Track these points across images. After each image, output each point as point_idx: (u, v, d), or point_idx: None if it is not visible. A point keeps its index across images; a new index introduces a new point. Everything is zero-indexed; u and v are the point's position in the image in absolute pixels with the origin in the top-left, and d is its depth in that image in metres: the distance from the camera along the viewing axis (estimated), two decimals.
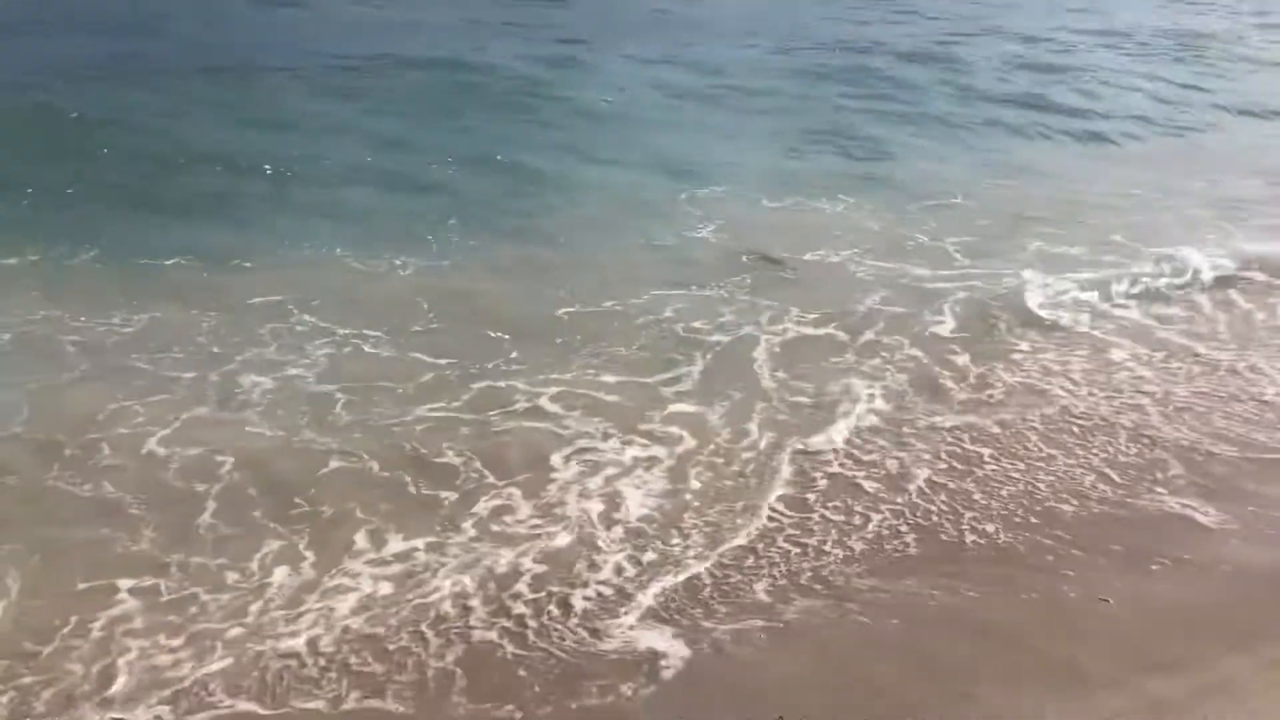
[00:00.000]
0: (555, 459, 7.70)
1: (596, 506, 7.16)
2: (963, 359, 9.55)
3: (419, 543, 6.73)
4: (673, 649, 5.75)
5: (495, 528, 6.92)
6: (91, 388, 8.26)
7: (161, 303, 9.73)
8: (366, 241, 11.55)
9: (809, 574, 6.44)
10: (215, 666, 5.60)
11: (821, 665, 5.65)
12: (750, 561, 6.57)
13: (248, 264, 10.83)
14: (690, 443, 7.97)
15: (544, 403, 8.43)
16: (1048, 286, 11.30)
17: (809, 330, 9.98)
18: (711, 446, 7.94)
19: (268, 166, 13.87)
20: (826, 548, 6.73)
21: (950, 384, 9.10)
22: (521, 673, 5.59)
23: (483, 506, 7.12)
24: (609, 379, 8.86)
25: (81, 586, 6.15)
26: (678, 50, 22.87)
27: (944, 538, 6.88)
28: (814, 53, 23.76)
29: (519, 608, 6.12)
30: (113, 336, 9.08)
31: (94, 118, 14.97)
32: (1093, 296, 11.18)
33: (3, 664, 5.55)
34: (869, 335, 9.94)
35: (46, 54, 18.46)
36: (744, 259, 11.73)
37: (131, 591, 6.14)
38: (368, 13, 24.97)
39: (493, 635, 5.87)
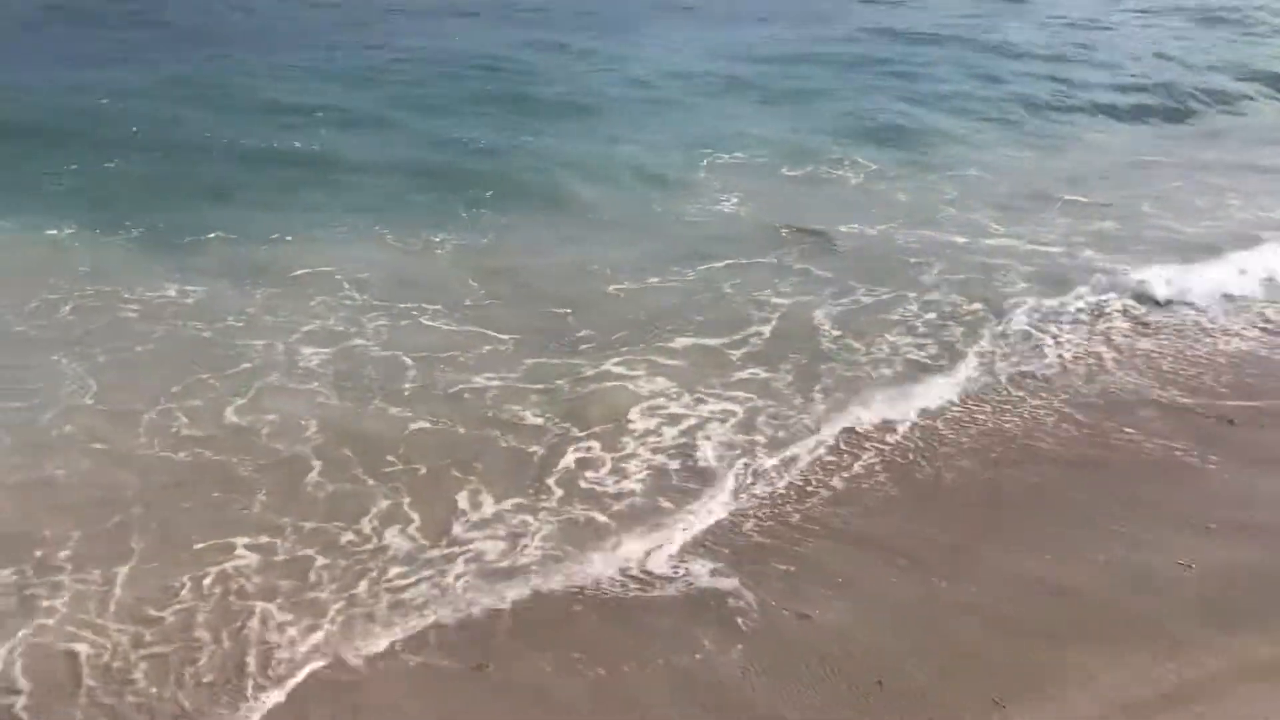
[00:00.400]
0: (632, 414, 7.71)
1: (673, 462, 7.14)
2: (1039, 324, 9.50)
3: (514, 501, 6.68)
4: (750, 606, 5.76)
5: (584, 484, 6.92)
6: (159, 358, 8.13)
7: (210, 277, 9.62)
8: (403, 220, 11.41)
9: (879, 535, 6.40)
10: (347, 629, 5.55)
11: (905, 629, 5.57)
12: (822, 522, 6.53)
13: (288, 238, 10.69)
14: (761, 401, 7.94)
15: (612, 367, 8.35)
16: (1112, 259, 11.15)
17: (868, 298, 9.88)
18: (783, 405, 7.91)
19: (297, 143, 13.78)
20: (898, 510, 6.70)
21: (1030, 349, 9.06)
22: (617, 628, 5.65)
23: (568, 461, 7.13)
24: (676, 345, 8.78)
25: (199, 546, 6.08)
26: (699, 34, 22.90)
27: (1013, 500, 6.85)
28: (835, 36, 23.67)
29: (614, 565, 6.13)
30: (170, 308, 8.94)
31: (123, 103, 14.74)
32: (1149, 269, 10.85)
33: (133, 629, 5.51)
34: (935, 297, 9.92)
35: (76, 40, 18.31)
36: (782, 232, 11.67)
37: (250, 549, 6.08)
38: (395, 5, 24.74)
39: (596, 593, 5.89)
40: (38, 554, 6.00)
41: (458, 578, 5.98)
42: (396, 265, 10.34)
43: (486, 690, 5.24)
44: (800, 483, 7.01)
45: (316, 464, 6.96)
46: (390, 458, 7.08)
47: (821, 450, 7.41)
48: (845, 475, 7.13)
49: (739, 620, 5.69)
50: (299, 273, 9.89)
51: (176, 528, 6.28)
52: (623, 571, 6.12)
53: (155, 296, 9.19)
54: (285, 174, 12.90)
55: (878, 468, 7.24)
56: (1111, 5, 29.81)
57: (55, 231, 10.42)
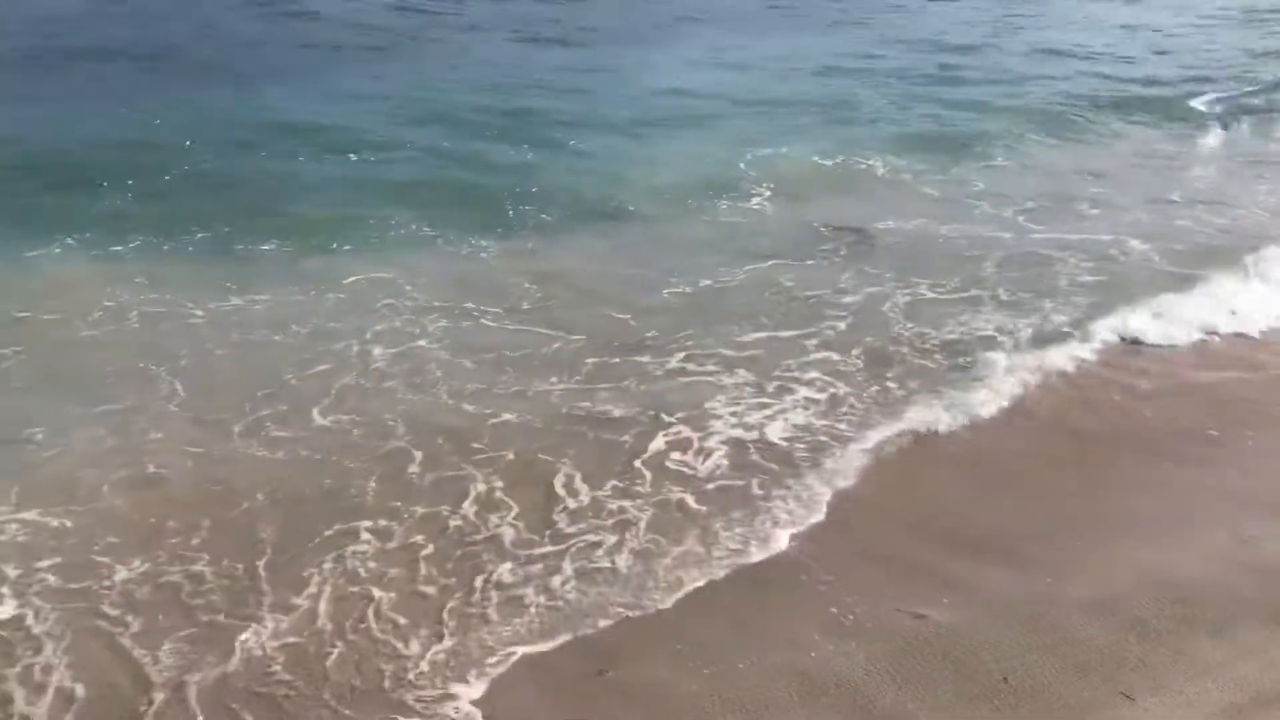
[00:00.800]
0: (712, 404, 7.73)
1: (765, 456, 7.11)
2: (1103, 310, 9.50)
3: (612, 485, 6.72)
4: (860, 606, 5.67)
5: (674, 471, 6.93)
6: (235, 364, 8.09)
7: (272, 285, 9.56)
8: (451, 223, 11.38)
9: (976, 531, 6.34)
10: (465, 631, 5.51)
11: (1021, 626, 5.46)
12: (917, 518, 6.51)
13: (346, 246, 10.64)
14: (843, 390, 7.95)
15: (681, 364, 8.35)
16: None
17: (929, 293, 9.88)
18: (863, 397, 7.90)
19: (352, 155, 13.72)
20: (992, 504, 6.65)
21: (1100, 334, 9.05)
22: (729, 627, 5.58)
23: (657, 446, 7.17)
24: (746, 339, 8.79)
25: (328, 533, 6.16)
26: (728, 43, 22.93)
27: (1106, 490, 6.83)
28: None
29: (719, 563, 6.07)
30: (236, 315, 8.90)
31: (175, 130, 14.53)
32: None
33: (274, 616, 5.52)
34: (999, 294, 9.88)
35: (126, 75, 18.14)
36: (821, 229, 11.69)
37: (372, 534, 6.17)
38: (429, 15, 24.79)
39: (704, 591, 5.84)
40: (172, 542, 6.06)
41: (566, 581, 5.90)
42: (451, 271, 10.30)
43: (613, 694, 5.19)
44: (891, 477, 6.97)
45: (417, 454, 6.97)
46: (476, 445, 7.10)
47: (907, 442, 7.38)
48: (934, 468, 7.11)
49: (849, 619, 5.63)
50: (357, 279, 9.85)
51: (299, 519, 6.29)
52: (727, 569, 6.05)
53: (221, 305, 9.13)
54: (336, 192, 12.65)
55: (965, 460, 7.21)
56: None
57: (119, 247, 10.28)
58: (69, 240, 10.35)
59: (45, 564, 5.85)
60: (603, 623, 5.62)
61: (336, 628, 5.49)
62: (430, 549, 6.10)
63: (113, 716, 4.94)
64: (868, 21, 26.95)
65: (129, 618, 5.50)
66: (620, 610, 5.70)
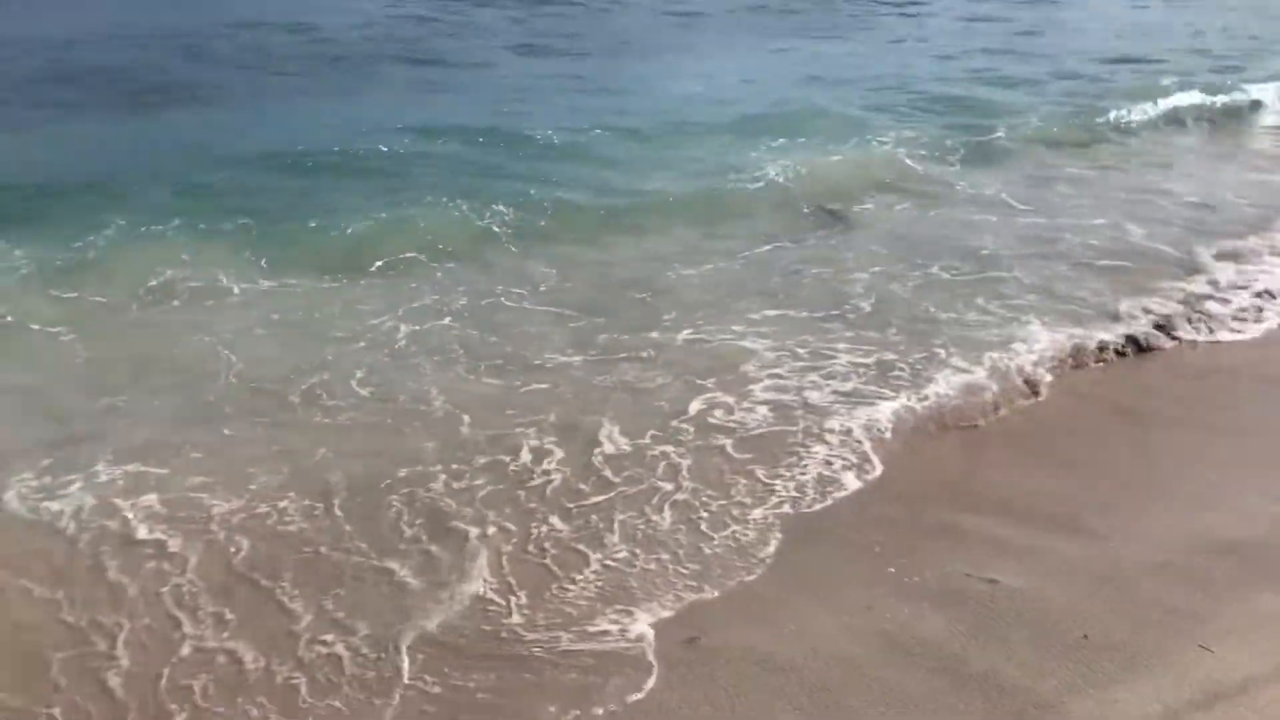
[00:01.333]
0: (744, 369, 7.89)
1: (806, 417, 7.23)
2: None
3: (651, 437, 6.90)
4: (930, 571, 5.75)
5: (713, 420, 7.12)
6: (277, 338, 8.18)
7: (307, 269, 9.55)
8: (475, 208, 11.19)
9: (1033, 498, 6.43)
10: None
11: (1091, 589, 5.52)
12: (971, 483, 6.64)
13: (381, 216, 10.72)
14: (882, 355, 8.12)
15: (705, 335, 8.43)
16: None
17: (946, 275, 9.99)
18: (898, 362, 8.06)
19: (383, 146, 13.44)
20: (1045, 471, 6.75)
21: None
22: (803, 593, 5.63)
23: (697, 405, 7.31)
24: (769, 314, 8.90)
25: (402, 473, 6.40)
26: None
27: (1156, 458, 6.98)
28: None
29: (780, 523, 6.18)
30: (275, 292, 9.05)
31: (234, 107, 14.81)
32: None
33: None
34: (1015, 273, 10.02)
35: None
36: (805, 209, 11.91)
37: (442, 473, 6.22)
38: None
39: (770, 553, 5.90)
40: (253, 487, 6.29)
41: (636, 539, 5.93)
42: (475, 255, 10.23)
43: (705, 660, 5.17)
44: (933, 448, 7.07)
45: (465, 416, 7.09)
46: (510, 411, 7.19)
47: (948, 413, 7.46)
48: (977, 441, 7.19)
49: (913, 580, 5.68)
50: (387, 260, 9.87)
51: (378, 469, 6.47)
52: (783, 530, 6.12)
53: (255, 284, 9.21)
54: (367, 182, 12.41)
55: (1010, 434, 7.31)
56: None
57: (160, 227, 10.15)
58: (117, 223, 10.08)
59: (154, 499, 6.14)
60: (681, 588, 5.62)
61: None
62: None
63: None
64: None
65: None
66: (691, 572, 5.74)
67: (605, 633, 5.24)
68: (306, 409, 7.14)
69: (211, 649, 5.06)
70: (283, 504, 6.13)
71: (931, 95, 18.31)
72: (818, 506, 6.37)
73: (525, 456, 6.63)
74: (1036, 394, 7.83)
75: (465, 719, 4.75)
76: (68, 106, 15.10)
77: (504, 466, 6.55)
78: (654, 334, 8.50)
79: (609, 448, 6.73)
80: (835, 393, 7.56)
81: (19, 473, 6.28)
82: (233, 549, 5.77)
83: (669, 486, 6.39)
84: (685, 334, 8.50)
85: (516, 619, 5.31)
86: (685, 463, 6.64)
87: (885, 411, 7.33)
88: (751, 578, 5.74)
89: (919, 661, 5.13)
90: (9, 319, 8.22)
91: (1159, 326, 8.93)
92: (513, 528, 5.99)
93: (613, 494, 6.34)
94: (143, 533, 5.84)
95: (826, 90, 18.46)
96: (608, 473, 6.53)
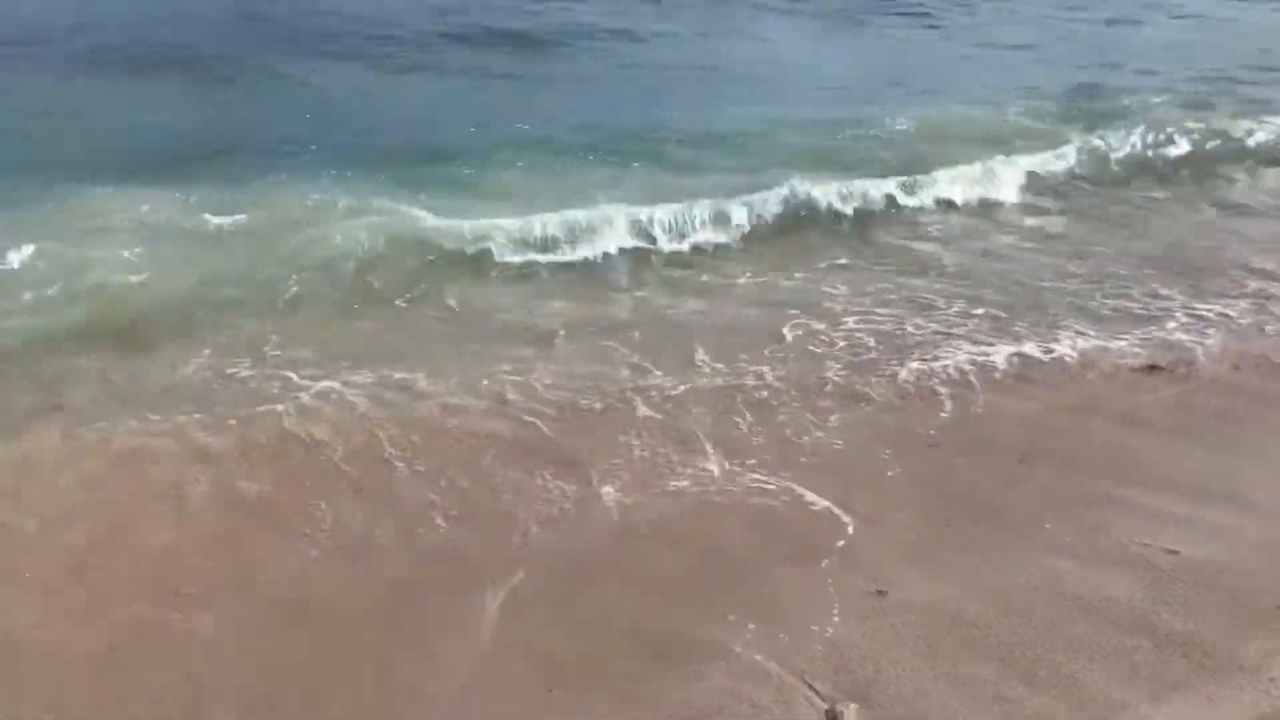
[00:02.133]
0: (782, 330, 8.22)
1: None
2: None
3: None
4: (1109, 540, 5.74)
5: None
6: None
7: None
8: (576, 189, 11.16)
9: (1175, 471, 6.43)
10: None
11: (1270, 559, 5.51)
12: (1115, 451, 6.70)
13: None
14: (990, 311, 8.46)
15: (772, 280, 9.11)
16: None
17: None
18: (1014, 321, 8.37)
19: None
20: (1177, 444, 6.77)
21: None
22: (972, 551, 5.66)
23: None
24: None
25: None
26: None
27: None
28: None
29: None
30: None
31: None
32: None
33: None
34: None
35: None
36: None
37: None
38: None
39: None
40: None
41: None
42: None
43: (896, 611, 5.11)
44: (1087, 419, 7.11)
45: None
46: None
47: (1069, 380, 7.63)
48: (1101, 415, 7.20)
49: (1095, 549, 5.65)
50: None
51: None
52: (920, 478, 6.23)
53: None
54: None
55: (1142, 409, 7.28)
56: None
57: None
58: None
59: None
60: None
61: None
62: None
63: None
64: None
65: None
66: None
67: None
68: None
69: None
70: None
71: None
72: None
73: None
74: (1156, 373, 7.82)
75: None
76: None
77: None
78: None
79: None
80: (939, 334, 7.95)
81: None
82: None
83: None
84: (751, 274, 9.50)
85: None
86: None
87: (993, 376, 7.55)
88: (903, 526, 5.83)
89: (1115, 622, 5.07)
90: None
91: None
92: None
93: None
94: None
95: None
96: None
